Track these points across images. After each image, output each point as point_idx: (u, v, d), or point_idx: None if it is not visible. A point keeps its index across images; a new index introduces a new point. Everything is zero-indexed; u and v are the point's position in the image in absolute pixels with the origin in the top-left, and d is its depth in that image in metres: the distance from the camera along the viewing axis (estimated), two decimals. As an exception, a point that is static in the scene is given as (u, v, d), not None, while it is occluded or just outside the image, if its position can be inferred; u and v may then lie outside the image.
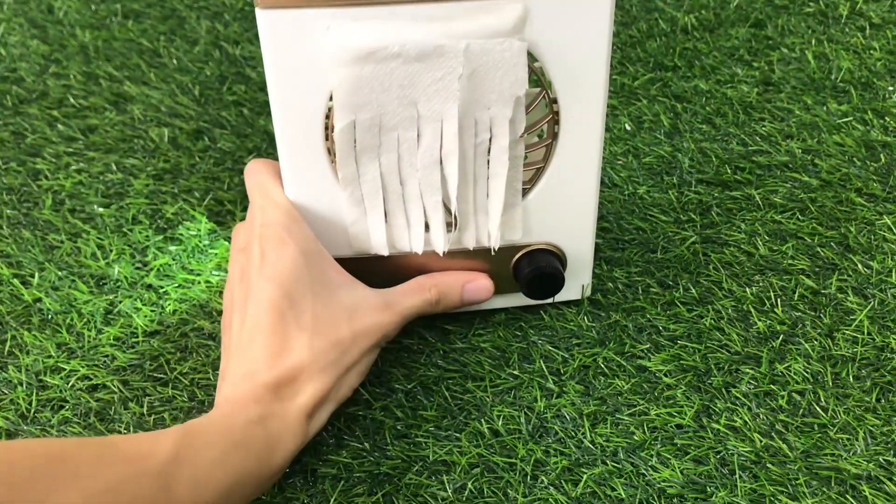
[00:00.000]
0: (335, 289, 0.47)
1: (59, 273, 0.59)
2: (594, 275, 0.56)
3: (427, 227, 0.49)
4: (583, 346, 0.53)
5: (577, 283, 0.54)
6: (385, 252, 0.50)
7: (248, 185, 0.51)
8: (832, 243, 0.58)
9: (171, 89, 0.74)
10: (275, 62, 0.45)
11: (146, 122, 0.71)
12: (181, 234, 0.61)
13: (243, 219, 0.58)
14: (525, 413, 0.49)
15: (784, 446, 0.47)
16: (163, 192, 0.65)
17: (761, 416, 0.48)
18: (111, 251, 0.60)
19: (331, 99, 0.46)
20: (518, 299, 0.54)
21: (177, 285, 0.58)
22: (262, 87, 0.73)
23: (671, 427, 0.48)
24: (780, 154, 0.65)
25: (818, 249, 0.58)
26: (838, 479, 0.45)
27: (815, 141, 0.66)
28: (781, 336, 0.52)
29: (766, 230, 0.59)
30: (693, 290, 0.55)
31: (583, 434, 0.48)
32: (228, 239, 0.61)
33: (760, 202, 0.61)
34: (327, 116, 0.47)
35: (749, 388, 0.50)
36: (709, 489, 0.45)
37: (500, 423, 0.49)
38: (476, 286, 0.51)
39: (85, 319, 0.56)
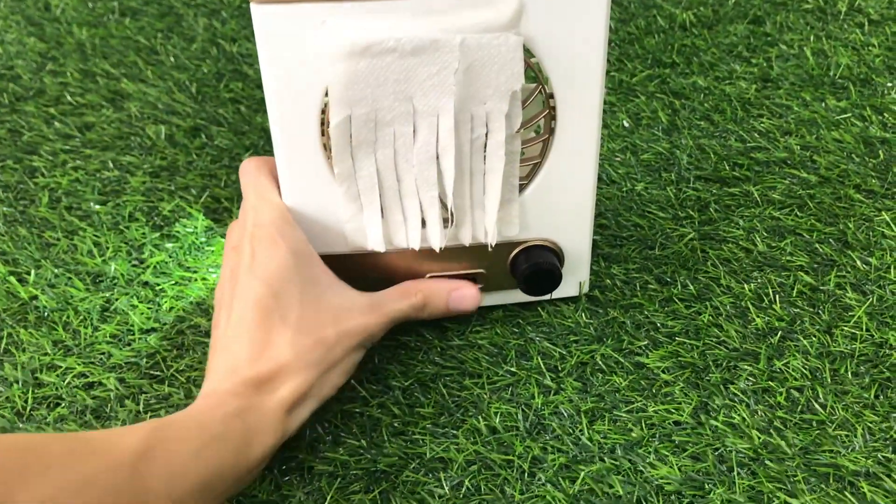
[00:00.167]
0: (322, 290, 0.47)
1: (56, 270, 0.59)
2: (592, 271, 0.56)
3: (423, 222, 0.49)
4: (580, 343, 0.52)
5: (574, 279, 0.54)
6: (382, 248, 0.50)
7: (243, 183, 0.51)
8: (831, 240, 0.58)
9: (169, 87, 0.74)
10: (270, 58, 0.45)
11: (143, 119, 0.71)
12: (178, 232, 0.61)
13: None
14: (522, 410, 0.49)
15: (782, 443, 0.47)
16: (159, 190, 0.65)
17: (759, 413, 0.48)
18: (108, 248, 0.60)
19: (326, 94, 0.45)
20: (515, 296, 0.54)
21: (173, 283, 0.58)
22: (260, 85, 0.73)
23: (669, 424, 0.48)
24: (778, 150, 0.65)
25: (817, 246, 0.58)
26: (837, 475, 0.45)
27: (813, 137, 0.66)
28: (780, 332, 0.52)
29: (765, 227, 0.59)
30: (691, 287, 0.55)
31: (580, 431, 0.48)
32: (225, 236, 0.60)
33: (759, 199, 0.61)
34: (323, 112, 0.46)
35: (747, 385, 0.50)
36: (707, 486, 0.45)
37: (497, 420, 0.49)
38: (462, 294, 0.52)
39: (81, 317, 0.55)
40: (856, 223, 0.59)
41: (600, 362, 0.51)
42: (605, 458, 0.46)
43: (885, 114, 0.67)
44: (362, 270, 0.52)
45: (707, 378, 0.50)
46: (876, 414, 0.48)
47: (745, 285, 0.55)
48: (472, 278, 0.53)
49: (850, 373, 0.50)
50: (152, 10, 0.84)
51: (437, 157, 0.47)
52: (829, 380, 0.50)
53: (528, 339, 0.53)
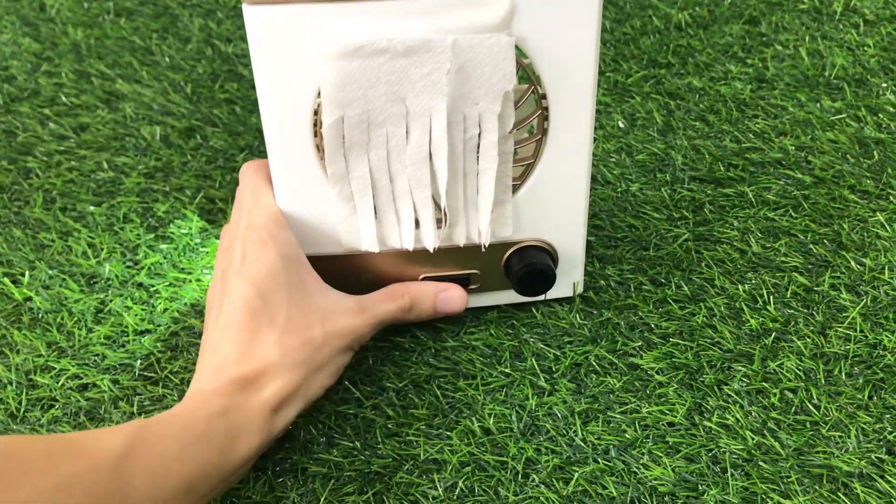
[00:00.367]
0: (310, 292, 0.47)
1: (50, 272, 0.58)
2: (586, 272, 0.55)
3: (417, 223, 0.49)
4: (575, 344, 0.52)
5: (568, 280, 0.54)
6: (375, 249, 0.49)
7: (241, 185, 0.51)
8: (825, 240, 0.58)
9: (164, 87, 0.74)
10: (262, 58, 0.45)
11: (138, 120, 0.71)
12: (172, 233, 0.61)
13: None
14: (517, 411, 0.49)
15: (776, 444, 0.47)
16: (154, 191, 0.65)
17: (753, 414, 0.48)
18: (102, 250, 0.60)
19: (319, 95, 0.45)
20: (509, 296, 0.54)
21: (168, 284, 0.57)
22: (254, 86, 0.73)
23: (663, 425, 0.48)
24: (773, 151, 0.65)
25: (811, 246, 0.58)
26: (830, 476, 0.45)
27: (808, 138, 0.66)
28: (774, 333, 0.52)
29: (759, 227, 0.59)
30: (685, 288, 0.55)
31: (574, 432, 0.48)
32: (219, 237, 0.60)
33: (753, 199, 0.61)
34: (316, 113, 0.46)
35: (741, 386, 0.50)
36: (700, 487, 0.45)
37: (491, 421, 0.49)
38: (449, 295, 0.52)
39: (75, 318, 0.55)
40: (850, 224, 0.59)
41: (594, 363, 0.51)
42: (599, 460, 0.46)
43: (879, 114, 0.67)
44: (356, 272, 0.52)
45: (701, 379, 0.50)
46: (869, 415, 0.48)
47: (740, 286, 0.55)
48: (466, 279, 0.53)
49: (843, 374, 0.50)
50: (147, 11, 0.84)
51: (430, 158, 0.47)
52: (822, 381, 0.50)
53: (523, 340, 0.53)
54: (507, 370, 0.51)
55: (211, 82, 0.74)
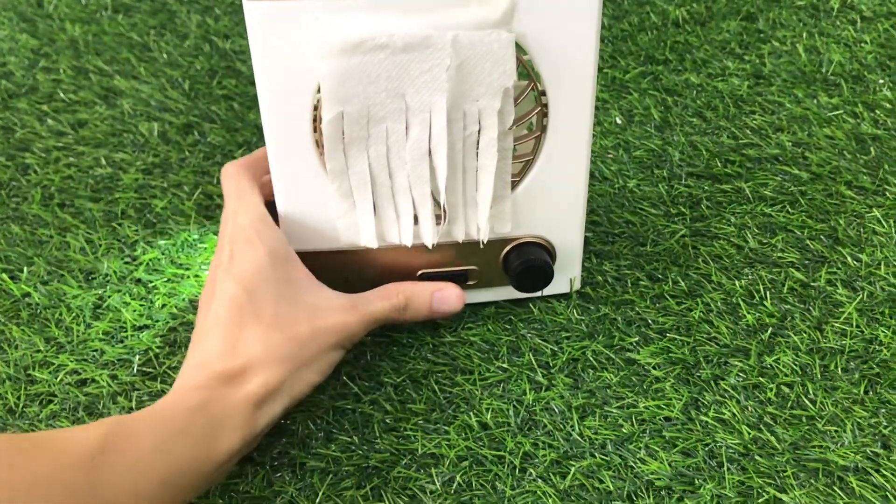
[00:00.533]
0: (300, 289, 0.47)
1: (48, 268, 0.59)
2: (584, 268, 0.56)
3: (416, 219, 0.49)
4: (572, 339, 0.53)
5: (566, 276, 0.54)
6: (374, 245, 0.50)
7: (224, 188, 0.51)
8: (822, 236, 0.58)
9: (161, 84, 0.74)
10: (262, 54, 0.45)
11: (136, 116, 0.71)
12: (170, 229, 0.61)
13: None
14: (514, 406, 0.49)
15: (772, 438, 0.47)
16: (152, 187, 0.65)
17: (750, 409, 0.48)
18: (100, 246, 0.60)
19: (319, 91, 0.45)
20: (507, 292, 0.54)
21: (165, 280, 0.58)
22: (253, 82, 0.73)
23: (660, 420, 0.48)
24: (770, 147, 0.65)
25: (808, 242, 0.58)
26: (826, 470, 0.45)
27: (805, 134, 0.66)
28: (770, 329, 0.52)
29: (756, 223, 0.59)
30: (682, 283, 0.55)
31: (571, 427, 0.48)
32: (217, 233, 0.60)
33: (750, 195, 0.61)
34: (315, 108, 0.46)
35: (738, 381, 0.50)
36: (697, 481, 0.45)
37: (488, 416, 0.49)
38: (445, 294, 0.51)
39: (74, 314, 0.56)
40: (847, 220, 0.59)
41: (591, 359, 0.51)
42: (596, 454, 0.47)
43: (876, 110, 0.68)
44: (355, 267, 0.52)
45: (698, 374, 0.50)
46: (865, 409, 0.48)
47: (737, 282, 0.55)
48: (464, 275, 0.53)
49: (839, 369, 0.50)
50: (145, 7, 0.84)
51: (430, 154, 0.47)
52: (818, 376, 0.50)
53: (520, 336, 0.53)
54: (504, 365, 0.51)
55: (209, 78, 0.74)
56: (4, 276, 0.58)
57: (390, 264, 0.52)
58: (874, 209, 0.60)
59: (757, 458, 0.46)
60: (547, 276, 0.52)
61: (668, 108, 0.69)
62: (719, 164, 0.64)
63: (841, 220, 0.59)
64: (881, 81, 0.70)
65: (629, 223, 0.60)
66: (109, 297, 0.56)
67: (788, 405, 0.49)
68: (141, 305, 0.56)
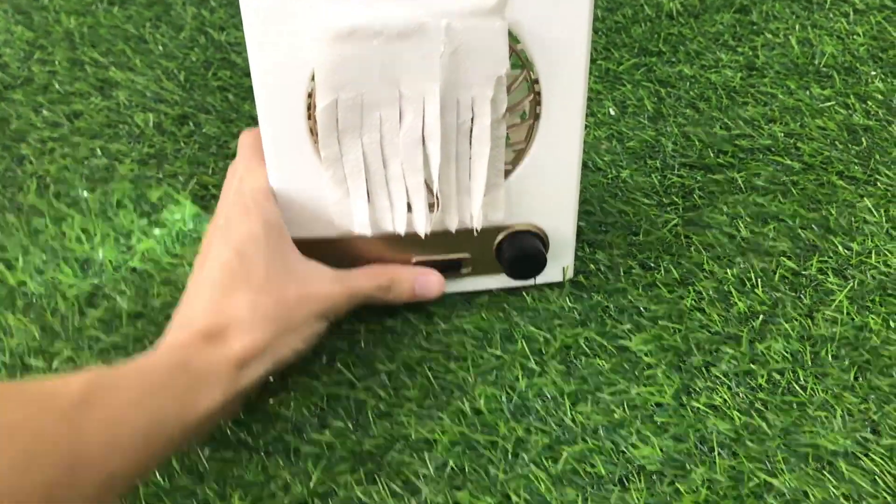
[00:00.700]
0: (290, 259, 0.48)
1: (44, 257, 0.59)
2: (577, 257, 0.56)
3: (409, 207, 0.50)
4: (565, 327, 0.53)
5: (559, 264, 0.54)
6: (368, 232, 0.50)
7: (239, 153, 0.52)
8: (813, 225, 0.59)
9: (157, 75, 0.74)
10: (257, 41, 0.45)
11: (131, 107, 0.71)
12: (166, 219, 0.61)
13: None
14: (507, 392, 0.50)
15: (763, 424, 0.47)
16: (147, 177, 0.65)
17: (741, 395, 0.49)
18: (96, 235, 0.60)
19: (313, 78, 0.46)
20: (500, 281, 0.54)
21: (161, 269, 0.58)
22: (248, 73, 0.73)
23: (651, 405, 0.48)
24: (762, 138, 0.65)
25: (799, 231, 0.58)
26: (816, 455, 0.46)
27: (797, 125, 0.66)
28: (762, 316, 0.53)
29: (748, 213, 0.60)
30: (674, 272, 0.56)
31: (563, 412, 0.48)
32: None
33: (743, 185, 0.62)
34: (310, 96, 0.47)
35: (729, 368, 0.50)
36: (688, 466, 0.46)
37: (482, 402, 0.49)
38: (427, 280, 0.52)
39: (69, 302, 0.56)
40: (838, 209, 0.60)
41: (584, 346, 0.52)
42: (588, 439, 0.47)
43: (868, 102, 0.68)
44: (348, 255, 0.52)
45: (689, 361, 0.51)
46: (855, 396, 0.49)
47: (728, 270, 0.56)
48: (457, 263, 0.53)
49: (830, 356, 0.51)
50: (141, -1, 0.84)
51: (423, 142, 0.47)
52: (809, 362, 0.50)
53: (514, 324, 0.53)
54: (497, 352, 0.52)
55: (204, 70, 0.75)
56: (0, 265, 0.58)
57: (384, 252, 0.52)
58: (865, 199, 0.60)
59: (748, 443, 0.46)
60: (540, 265, 0.52)
61: (662, 100, 0.70)
62: (712, 155, 0.64)
63: (832, 209, 0.60)
64: (873, 73, 0.71)
65: (622, 213, 0.60)
66: (105, 286, 0.57)
67: (779, 391, 0.49)
68: (136, 294, 0.56)
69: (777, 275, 0.55)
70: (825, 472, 0.45)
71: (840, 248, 0.57)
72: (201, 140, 0.68)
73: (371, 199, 0.49)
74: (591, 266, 0.56)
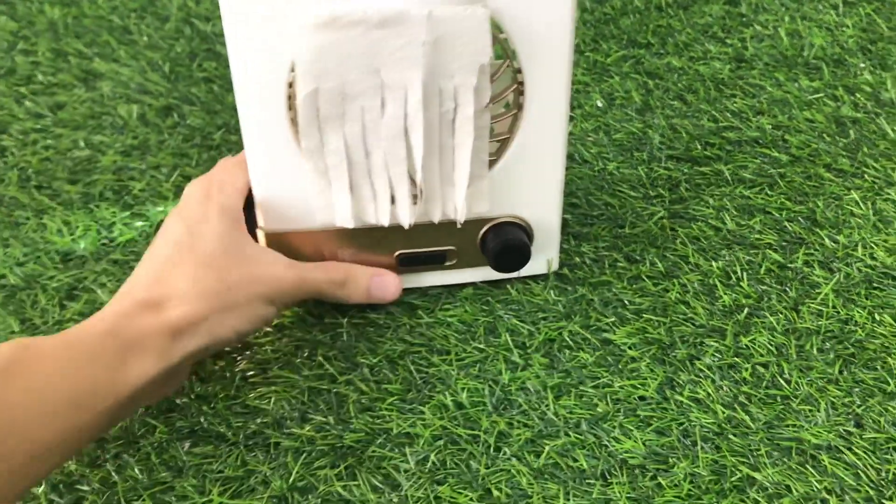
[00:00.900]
0: (242, 243, 0.48)
1: (25, 249, 0.58)
2: (562, 249, 0.56)
3: (393, 199, 0.49)
4: (549, 320, 0.52)
5: (543, 257, 0.54)
6: (350, 224, 0.49)
7: (231, 158, 0.53)
8: (800, 218, 0.58)
9: (141, 66, 0.74)
10: (236, 31, 0.45)
11: (115, 98, 0.71)
12: (148, 211, 0.61)
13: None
14: (490, 386, 0.49)
15: (746, 418, 0.47)
16: (131, 169, 0.64)
17: (725, 388, 0.48)
18: (77, 227, 0.60)
19: (293, 68, 0.45)
20: (485, 273, 0.54)
21: (143, 261, 0.57)
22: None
23: (634, 399, 0.48)
24: (750, 130, 0.65)
25: (786, 224, 0.58)
26: (799, 449, 0.46)
27: (785, 117, 0.66)
28: (747, 309, 0.52)
29: (735, 205, 0.59)
30: (659, 265, 0.55)
31: (546, 406, 0.48)
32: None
33: (729, 178, 0.61)
34: (290, 86, 0.46)
35: (713, 361, 0.50)
36: (671, 460, 0.45)
37: (464, 395, 0.49)
38: (383, 280, 0.52)
39: (49, 295, 0.55)
40: (825, 202, 0.59)
41: (568, 339, 0.51)
42: (571, 433, 0.47)
43: (856, 94, 0.68)
44: (330, 248, 0.51)
45: (673, 354, 0.50)
46: (839, 389, 0.48)
47: (714, 263, 0.55)
48: (441, 255, 0.53)
49: (815, 349, 0.50)
50: (126, -10, 0.83)
51: (406, 133, 0.47)
52: (794, 356, 0.50)
53: (497, 317, 0.53)
54: (480, 346, 0.51)
55: (189, 61, 0.74)
56: (-20, 257, 0.58)
57: (367, 244, 0.51)
58: (852, 191, 0.60)
59: (731, 437, 0.46)
60: (524, 257, 0.52)
61: (650, 92, 0.69)
62: (699, 147, 0.64)
63: (819, 202, 0.59)
64: (862, 65, 0.70)
65: (608, 205, 0.60)
66: (86, 278, 0.56)
67: (763, 385, 0.49)
68: (117, 287, 0.55)
69: (763, 268, 0.55)
70: (808, 466, 0.45)
71: (826, 240, 0.57)
72: (185, 132, 0.67)
73: (353, 190, 0.49)
74: (577, 259, 0.56)
